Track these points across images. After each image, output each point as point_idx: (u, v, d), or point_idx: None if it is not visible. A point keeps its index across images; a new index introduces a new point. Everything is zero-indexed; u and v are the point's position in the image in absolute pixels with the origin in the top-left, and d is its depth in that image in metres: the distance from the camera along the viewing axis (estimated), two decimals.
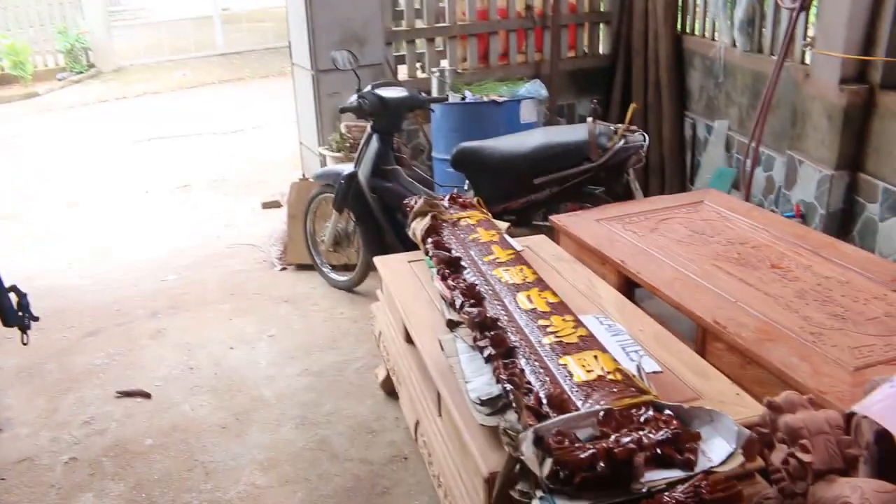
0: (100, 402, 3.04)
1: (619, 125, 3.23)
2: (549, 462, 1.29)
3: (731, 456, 1.33)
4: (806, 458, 1.26)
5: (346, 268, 4.00)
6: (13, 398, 3.10)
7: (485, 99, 4.23)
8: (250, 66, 11.55)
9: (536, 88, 4.30)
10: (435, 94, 4.51)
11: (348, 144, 4.31)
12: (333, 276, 4.01)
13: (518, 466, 1.36)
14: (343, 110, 3.60)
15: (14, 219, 5.43)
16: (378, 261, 2.73)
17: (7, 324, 2.66)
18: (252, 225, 5.03)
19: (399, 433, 2.73)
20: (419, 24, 4.92)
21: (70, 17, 11.35)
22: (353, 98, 3.56)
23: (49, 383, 3.20)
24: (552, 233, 3.02)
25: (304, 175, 4.91)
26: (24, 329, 2.67)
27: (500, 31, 5.00)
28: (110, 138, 7.73)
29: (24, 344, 2.68)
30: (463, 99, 4.28)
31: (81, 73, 11.03)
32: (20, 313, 2.66)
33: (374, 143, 3.60)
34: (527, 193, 3.34)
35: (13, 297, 2.63)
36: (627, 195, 3.30)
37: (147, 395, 3.06)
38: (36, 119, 8.86)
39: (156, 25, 13.27)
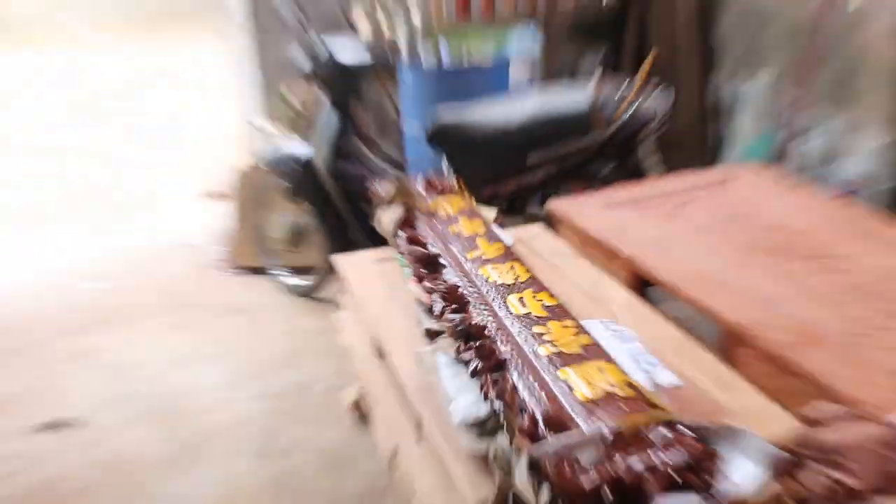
0: (17, 439, 3.02)
1: (634, 81, 3.15)
2: (546, 491, 1.30)
3: (760, 481, 1.31)
4: (846, 479, 1.27)
5: (306, 270, 3.98)
6: None
7: (466, 63, 4.13)
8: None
9: (529, 40, 4.18)
10: (402, 47, 4.34)
11: (294, 115, 4.22)
12: (290, 280, 3.99)
13: (511, 497, 1.37)
14: (292, 78, 3.55)
15: None
16: (338, 260, 2.66)
17: None
18: (190, 220, 5.00)
19: (373, 463, 2.73)
20: None
21: None
22: (301, 58, 3.50)
23: None
24: (551, 222, 2.97)
25: (250, 160, 4.86)
26: None
27: None
28: None
29: None
30: (437, 54, 4.18)
31: None
32: None
33: (331, 118, 3.57)
34: (519, 174, 3.30)
35: None
36: (643, 173, 3.28)
37: (72, 427, 3.05)
38: None
39: None
